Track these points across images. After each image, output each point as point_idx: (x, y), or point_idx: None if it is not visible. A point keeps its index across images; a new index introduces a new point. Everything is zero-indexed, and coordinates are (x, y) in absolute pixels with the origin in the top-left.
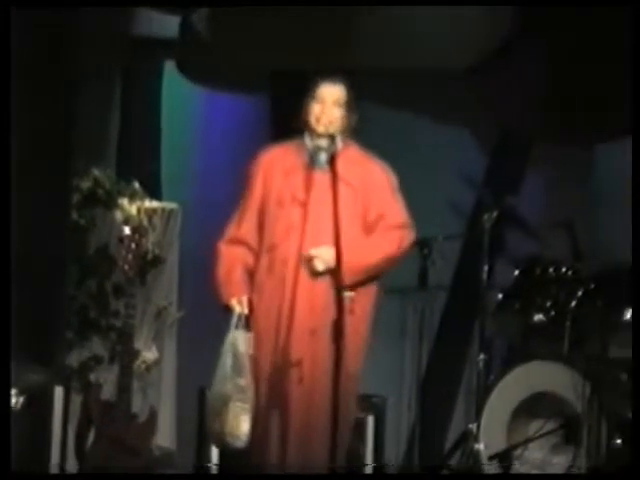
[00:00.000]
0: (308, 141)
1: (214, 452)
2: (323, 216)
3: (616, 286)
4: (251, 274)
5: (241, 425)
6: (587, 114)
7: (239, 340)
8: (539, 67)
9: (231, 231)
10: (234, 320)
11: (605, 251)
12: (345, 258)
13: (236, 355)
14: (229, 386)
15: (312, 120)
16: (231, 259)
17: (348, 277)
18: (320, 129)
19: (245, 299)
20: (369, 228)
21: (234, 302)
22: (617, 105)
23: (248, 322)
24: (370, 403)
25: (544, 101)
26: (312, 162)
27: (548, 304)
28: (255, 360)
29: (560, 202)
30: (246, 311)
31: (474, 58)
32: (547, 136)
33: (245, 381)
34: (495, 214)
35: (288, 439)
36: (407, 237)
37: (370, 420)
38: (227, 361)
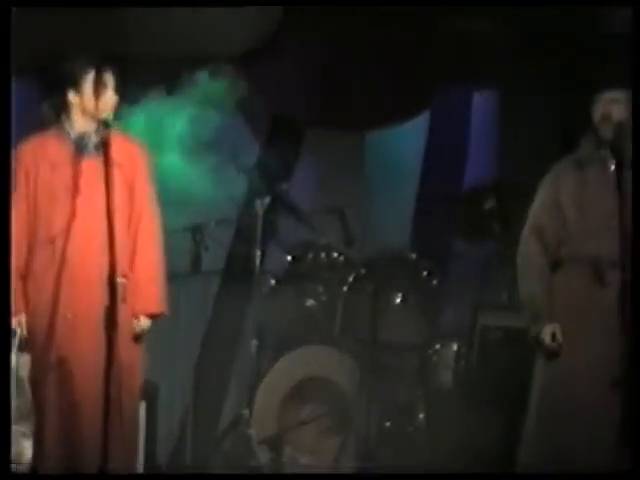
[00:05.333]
0: (70, 128)
1: None
2: (98, 204)
3: (386, 271)
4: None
5: (24, 451)
6: (358, 101)
7: (19, 363)
8: (311, 54)
9: None
10: (15, 342)
11: (376, 236)
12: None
13: (17, 379)
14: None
15: (78, 107)
16: None
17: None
18: (87, 115)
19: (23, 318)
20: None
21: (15, 322)
22: (387, 92)
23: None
24: (141, 390)
25: (317, 88)
26: (80, 149)
27: (320, 289)
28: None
29: (332, 188)
30: (25, 332)
31: (246, 45)
32: (319, 123)
33: (25, 404)
34: (268, 200)
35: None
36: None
37: (142, 407)
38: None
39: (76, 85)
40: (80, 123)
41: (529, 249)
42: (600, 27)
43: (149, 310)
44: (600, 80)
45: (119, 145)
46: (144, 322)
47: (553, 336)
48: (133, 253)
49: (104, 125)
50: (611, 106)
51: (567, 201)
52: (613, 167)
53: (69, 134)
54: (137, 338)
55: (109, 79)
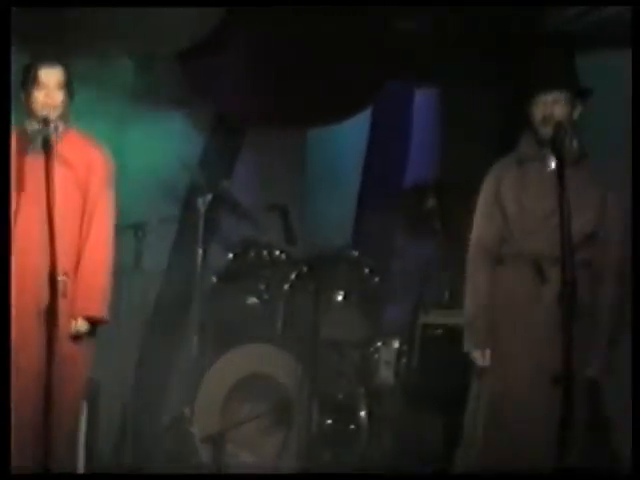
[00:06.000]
0: (29, 126)
1: None
2: (41, 200)
3: (328, 269)
4: None
5: None
6: (300, 99)
7: None
8: (253, 52)
9: None
10: None
11: (318, 234)
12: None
13: None
14: None
15: (35, 105)
16: None
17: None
18: (39, 113)
19: None
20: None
21: None
22: (328, 90)
23: None
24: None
25: (258, 86)
26: (28, 147)
27: (262, 287)
28: None
29: (273, 186)
30: None
31: (188, 42)
32: (261, 120)
33: None
34: (210, 197)
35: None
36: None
37: (83, 405)
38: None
39: (24, 83)
40: (29, 120)
41: (475, 266)
42: (541, 27)
43: (88, 313)
44: (540, 80)
45: (74, 146)
46: (81, 324)
47: (485, 358)
48: (81, 254)
49: (44, 122)
50: (552, 106)
51: (508, 199)
52: (553, 165)
53: (21, 131)
54: (75, 338)
55: (53, 76)
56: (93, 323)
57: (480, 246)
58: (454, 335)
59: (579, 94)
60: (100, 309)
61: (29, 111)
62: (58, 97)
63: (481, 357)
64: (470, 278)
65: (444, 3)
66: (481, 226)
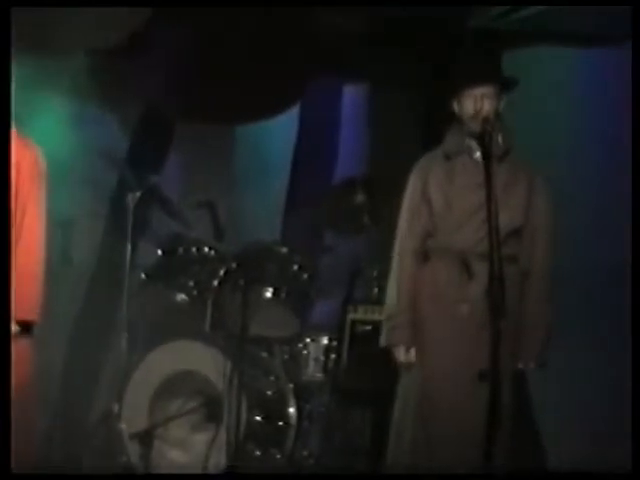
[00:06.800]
0: None
1: None
2: None
3: (257, 265)
4: None
5: None
6: (228, 95)
7: None
8: (181, 48)
9: None
10: None
11: (247, 230)
12: None
13: None
14: None
15: None
16: None
17: None
18: None
19: None
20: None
21: None
22: (257, 86)
23: None
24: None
25: (187, 82)
26: None
27: (191, 284)
28: None
29: (202, 182)
30: None
31: (116, 39)
32: (189, 116)
33: None
34: (138, 194)
35: None
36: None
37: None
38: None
39: None
40: None
41: (400, 261)
42: (470, 23)
43: (19, 316)
44: (468, 75)
45: (15, 146)
46: (13, 327)
47: (409, 355)
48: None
49: None
50: (482, 100)
51: (435, 193)
52: (480, 160)
53: None
54: None
55: None
56: (23, 325)
57: (406, 241)
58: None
59: (505, 86)
60: (32, 313)
61: None
62: None
63: (403, 354)
64: (394, 273)
65: (372, 2)
66: (407, 221)
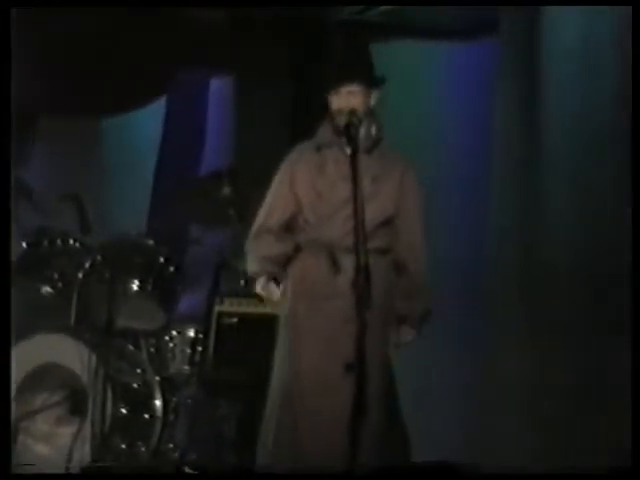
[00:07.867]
0: None
1: None
2: None
3: (123, 257)
4: None
5: None
6: (93, 86)
7: None
8: (44, 40)
9: None
10: None
11: (112, 223)
12: None
13: None
14: None
15: None
16: None
17: None
18: None
19: None
20: None
21: None
22: (122, 77)
23: None
24: None
25: (50, 73)
26: None
27: (55, 276)
28: None
29: (67, 174)
30: None
31: None
32: (53, 108)
33: None
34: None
35: None
36: None
37: None
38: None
39: None
40: None
41: (256, 242)
42: (335, 20)
43: None
44: (334, 74)
45: None
46: None
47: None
48: None
49: None
50: (347, 97)
51: (304, 184)
52: (349, 154)
53: None
54: None
55: None
56: None
57: (264, 225)
58: (249, 323)
59: (373, 84)
60: None
61: None
62: None
63: (262, 284)
64: (250, 251)
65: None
66: (270, 206)
